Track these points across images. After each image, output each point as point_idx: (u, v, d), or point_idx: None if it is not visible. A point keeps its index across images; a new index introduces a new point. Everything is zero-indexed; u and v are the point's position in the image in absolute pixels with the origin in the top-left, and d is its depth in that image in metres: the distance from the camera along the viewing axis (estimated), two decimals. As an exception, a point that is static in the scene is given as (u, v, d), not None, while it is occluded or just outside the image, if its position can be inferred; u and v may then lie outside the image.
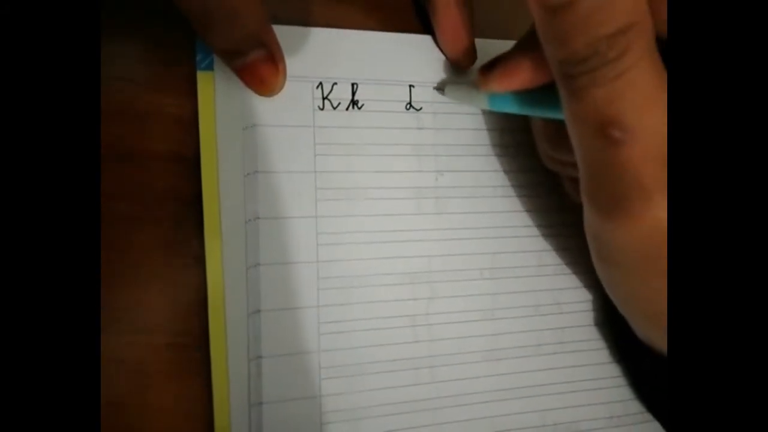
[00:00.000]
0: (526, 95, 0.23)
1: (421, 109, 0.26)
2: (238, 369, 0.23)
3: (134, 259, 0.23)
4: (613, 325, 0.27)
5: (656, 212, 0.19)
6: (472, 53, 0.26)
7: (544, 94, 0.22)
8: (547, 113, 0.23)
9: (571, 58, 0.18)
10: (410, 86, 0.26)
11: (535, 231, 0.27)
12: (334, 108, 0.25)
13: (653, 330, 0.24)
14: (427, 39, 0.26)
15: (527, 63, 0.22)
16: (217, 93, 0.23)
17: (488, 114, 0.27)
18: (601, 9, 0.17)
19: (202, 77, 0.23)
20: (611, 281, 0.23)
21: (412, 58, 0.26)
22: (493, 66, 0.23)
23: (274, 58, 0.22)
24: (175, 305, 0.23)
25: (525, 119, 0.27)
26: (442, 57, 0.27)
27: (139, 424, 0.23)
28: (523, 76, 0.22)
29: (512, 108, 0.24)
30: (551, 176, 0.28)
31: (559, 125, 0.22)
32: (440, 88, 0.26)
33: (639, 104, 0.17)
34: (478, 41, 0.26)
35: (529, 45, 0.22)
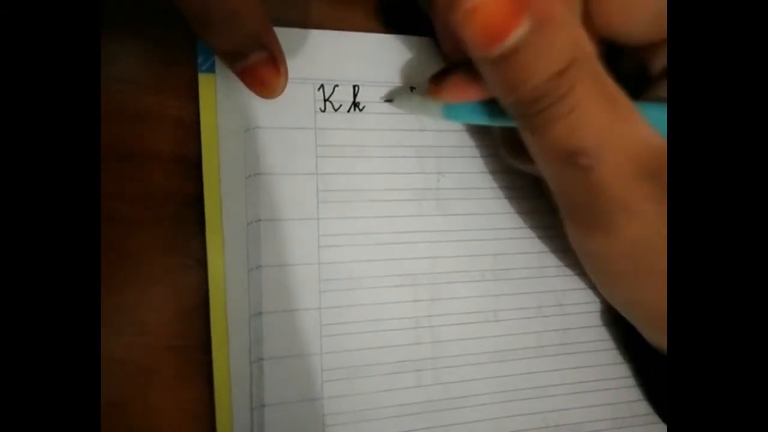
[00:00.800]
0: (483, 105, 0.22)
1: (422, 110, 0.26)
2: (239, 371, 0.23)
3: (135, 260, 0.23)
4: (620, 325, 0.27)
5: (639, 223, 0.19)
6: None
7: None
8: (506, 122, 0.22)
9: (521, 101, 0.18)
10: (411, 88, 0.26)
11: (536, 232, 0.27)
12: (336, 110, 0.25)
13: (656, 332, 0.24)
14: (428, 41, 0.26)
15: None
16: (219, 95, 0.24)
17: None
18: (540, 54, 0.17)
19: (203, 79, 0.23)
20: (607, 290, 0.23)
21: (413, 59, 0.26)
22: (445, 75, 0.23)
23: (275, 60, 0.22)
24: (176, 307, 0.23)
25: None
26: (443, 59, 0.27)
27: (141, 426, 0.22)
28: (478, 87, 0.22)
29: (469, 118, 0.23)
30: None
31: (518, 133, 0.21)
32: (389, 99, 0.26)
33: (598, 129, 0.18)
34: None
35: None
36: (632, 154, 0.18)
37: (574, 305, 0.28)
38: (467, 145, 0.27)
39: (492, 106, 0.22)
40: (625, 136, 0.18)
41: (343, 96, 0.25)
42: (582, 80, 0.17)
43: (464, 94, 0.22)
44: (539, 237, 0.27)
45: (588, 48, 0.18)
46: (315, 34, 0.25)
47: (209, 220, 0.23)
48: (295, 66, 0.24)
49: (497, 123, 0.23)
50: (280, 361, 0.23)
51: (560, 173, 0.19)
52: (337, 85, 0.25)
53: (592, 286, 0.28)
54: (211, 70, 0.23)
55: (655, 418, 0.28)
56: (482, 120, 0.23)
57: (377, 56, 0.26)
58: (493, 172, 0.27)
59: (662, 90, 0.22)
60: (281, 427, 0.23)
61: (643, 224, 0.19)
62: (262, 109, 0.24)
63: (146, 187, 0.23)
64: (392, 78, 0.26)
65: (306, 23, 0.25)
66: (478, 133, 0.27)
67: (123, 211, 0.23)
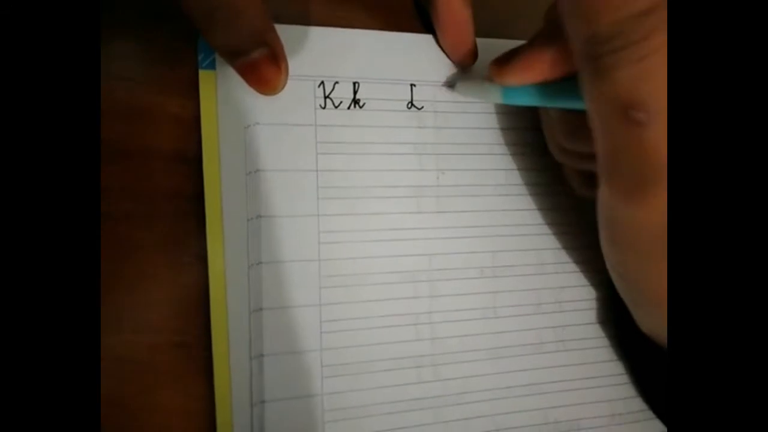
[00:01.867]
0: (542, 87, 0.23)
1: (422, 108, 0.26)
2: (240, 367, 0.23)
3: (136, 258, 0.23)
4: (616, 321, 0.27)
5: None
6: (473, 52, 0.26)
7: (562, 84, 0.22)
8: (564, 104, 0.23)
9: (596, 36, 0.18)
10: (411, 85, 0.26)
11: (535, 229, 0.27)
12: (336, 107, 0.25)
13: (660, 319, 0.23)
14: (428, 38, 0.27)
15: (547, 55, 0.22)
16: (219, 92, 0.24)
17: (489, 113, 0.27)
18: None
19: (204, 76, 0.23)
20: (622, 266, 0.23)
21: (413, 57, 0.26)
22: (509, 59, 0.23)
23: (276, 56, 0.22)
24: (177, 303, 0.23)
25: (526, 117, 0.27)
26: (444, 56, 0.27)
27: (141, 423, 0.23)
28: (542, 68, 0.22)
29: (528, 100, 0.23)
30: (552, 175, 0.28)
31: (576, 116, 0.22)
32: (450, 84, 0.26)
33: (662, 87, 0.17)
34: (479, 40, 0.26)
35: (548, 36, 0.22)
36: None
37: (572, 302, 0.28)
38: (466, 142, 0.27)
39: (551, 88, 0.23)
40: None
41: (344, 93, 0.25)
42: (661, 30, 0.17)
43: (528, 75, 0.23)
44: (538, 234, 0.27)
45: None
46: (315, 31, 0.25)
47: (209, 217, 0.23)
48: (295, 63, 0.24)
49: (555, 104, 0.23)
50: (280, 357, 0.23)
51: (612, 127, 0.19)
52: (337, 82, 0.25)
53: (591, 283, 0.28)
54: (212, 66, 0.24)
55: (651, 414, 0.28)
56: (540, 101, 0.23)
57: (377, 53, 0.26)
58: (493, 170, 0.27)
59: None
60: (281, 423, 0.23)
61: None
62: (262, 105, 0.24)
63: (146, 183, 0.23)
64: (392, 75, 0.26)
65: (307, 20, 0.25)
66: (478, 130, 0.27)
67: (123, 208, 0.23)
